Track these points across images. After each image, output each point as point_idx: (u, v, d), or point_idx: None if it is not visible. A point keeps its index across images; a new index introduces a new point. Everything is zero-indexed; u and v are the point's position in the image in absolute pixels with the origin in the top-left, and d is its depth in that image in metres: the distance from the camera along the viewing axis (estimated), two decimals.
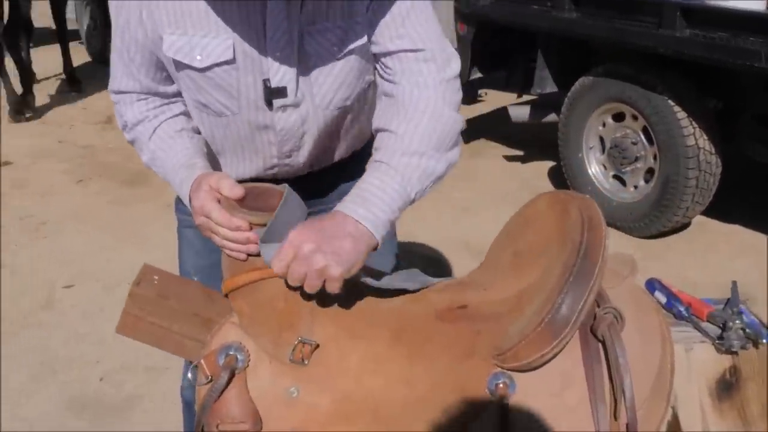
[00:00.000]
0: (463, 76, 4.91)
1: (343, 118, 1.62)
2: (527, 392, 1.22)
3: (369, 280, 1.32)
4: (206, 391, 1.29)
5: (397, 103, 1.46)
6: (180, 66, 1.49)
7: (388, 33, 1.47)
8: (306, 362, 1.28)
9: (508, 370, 1.22)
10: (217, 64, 1.46)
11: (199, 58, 1.46)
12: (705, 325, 1.39)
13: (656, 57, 3.84)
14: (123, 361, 3.14)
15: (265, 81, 1.49)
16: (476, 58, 4.85)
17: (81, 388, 3.02)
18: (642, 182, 4.12)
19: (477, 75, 4.99)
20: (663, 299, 1.46)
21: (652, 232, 4.09)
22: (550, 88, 4.55)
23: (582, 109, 4.29)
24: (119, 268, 3.85)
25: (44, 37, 8.74)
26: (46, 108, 7.00)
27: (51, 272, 3.98)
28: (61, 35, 7.49)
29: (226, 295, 1.35)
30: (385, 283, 1.34)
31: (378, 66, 1.54)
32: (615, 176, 4.28)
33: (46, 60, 8.04)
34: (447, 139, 1.44)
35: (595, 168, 4.35)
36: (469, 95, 5.53)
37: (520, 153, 5.44)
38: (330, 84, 1.53)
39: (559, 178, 4.64)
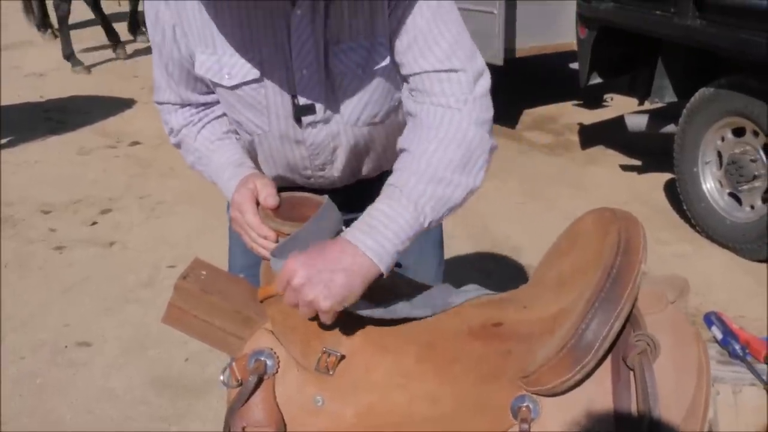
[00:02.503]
0: (583, 80, 4.83)
1: (374, 133, 1.60)
2: (551, 418, 1.18)
3: (369, 311, 1.30)
4: (235, 394, 1.32)
5: (419, 124, 1.41)
6: (212, 84, 1.52)
7: (411, 54, 1.42)
8: (331, 372, 1.28)
9: (533, 393, 1.19)
10: (245, 83, 1.48)
11: (227, 76, 1.47)
12: (760, 367, 1.30)
13: None
14: None
15: (293, 98, 1.48)
16: (596, 63, 4.72)
17: (166, 366, 3.15)
18: (759, 202, 3.90)
19: (596, 80, 4.86)
20: (719, 335, 1.38)
21: (766, 256, 3.85)
22: (669, 97, 4.39)
23: (700, 122, 4.11)
24: (222, 253, 3.94)
25: None
26: None
27: (158, 252, 4.16)
28: None
29: (261, 302, 1.37)
30: (389, 311, 1.31)
31: (404, 86, 1.50)
32: (731, 194, 4.07)
33: None
34: (470, 162, 1.37)
35: (710, 184, 4.15)
36: (591, 99, 5.39)
37: (637, 163, 5.25)
38: (357, 101, 1.51)
39: (675, 192, 4.44)
